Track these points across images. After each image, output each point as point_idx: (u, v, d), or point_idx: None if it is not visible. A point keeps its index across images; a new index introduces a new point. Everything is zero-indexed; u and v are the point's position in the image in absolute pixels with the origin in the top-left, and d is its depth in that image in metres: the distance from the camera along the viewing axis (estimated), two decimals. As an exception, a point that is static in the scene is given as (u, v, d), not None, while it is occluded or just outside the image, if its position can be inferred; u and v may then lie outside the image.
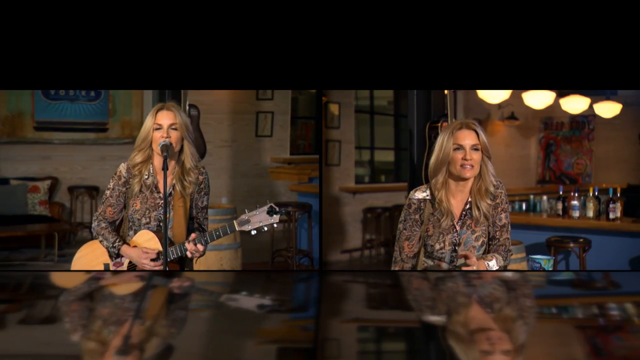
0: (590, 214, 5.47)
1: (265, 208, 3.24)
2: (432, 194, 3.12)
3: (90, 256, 3.37)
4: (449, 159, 3.07)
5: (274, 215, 3.24)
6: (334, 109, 6.86)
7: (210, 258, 4.88)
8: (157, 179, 3.34)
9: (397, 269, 3.15)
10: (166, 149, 3.21)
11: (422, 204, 3.12)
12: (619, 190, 5.33)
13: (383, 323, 2.75)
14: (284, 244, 6.05)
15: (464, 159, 3.03)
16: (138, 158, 3.33)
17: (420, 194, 3.14)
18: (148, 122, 3.33)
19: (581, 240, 5.18)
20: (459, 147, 3.05)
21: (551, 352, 2.19)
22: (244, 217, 3.27)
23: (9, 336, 2.50)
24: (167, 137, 3.26)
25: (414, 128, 4.70)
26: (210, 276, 3.99)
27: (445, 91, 4.57)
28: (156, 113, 3.33)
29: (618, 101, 6.72)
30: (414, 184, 4.14)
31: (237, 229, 3.27)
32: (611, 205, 5.29)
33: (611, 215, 5.28)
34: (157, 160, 3.33)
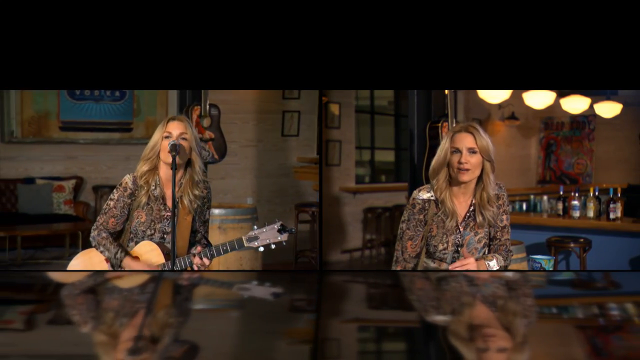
0: (591, 214, 5.47)
1: (275, 226, 3.24)
2: (434, 193, 3.12)
3: (87, 264, 3.35)
4: (446, 161, 3.07)
5: (284, 234, 3.24)
6: (334, 109, 6.86)
7: (230, 258, 4.86)
8: (164, 191, 3.32)
9: (398, 268, 3.15)
10: (175, 148, 3.19)
11: (426, 204, 3.12)
12: (619, 190, 5.33)
13: (383, 323, 2.75)
14: (308, 244, 6.03)
15: (459, 162, 3.03)
16: (145, 167, 3.31)
17: (425, 194, 3.14)
18: (157, 133, 3.32)
19: (582, 240, 5.18)
20: (456, 150, 3.05)
21: (551, 352, 2.19)
22: (252, 233, 3.25)
23: (37, 336, 2.50)
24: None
25: (414, 128, 4.70)
26: (230, 276, 4.00)
27: (446, 91, 4.57)
28: (167, 123, 3.33)
29: (618, 101, 6.72)
30: (414, 184, 4.14)
31: (245, 245, 3.26)
32: (611, 206, 5.29)
33: (611, 216, 5.28)
34: (164, 171, 3.31)
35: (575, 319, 2.70)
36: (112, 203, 3.33)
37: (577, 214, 5.51)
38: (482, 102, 6.53)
